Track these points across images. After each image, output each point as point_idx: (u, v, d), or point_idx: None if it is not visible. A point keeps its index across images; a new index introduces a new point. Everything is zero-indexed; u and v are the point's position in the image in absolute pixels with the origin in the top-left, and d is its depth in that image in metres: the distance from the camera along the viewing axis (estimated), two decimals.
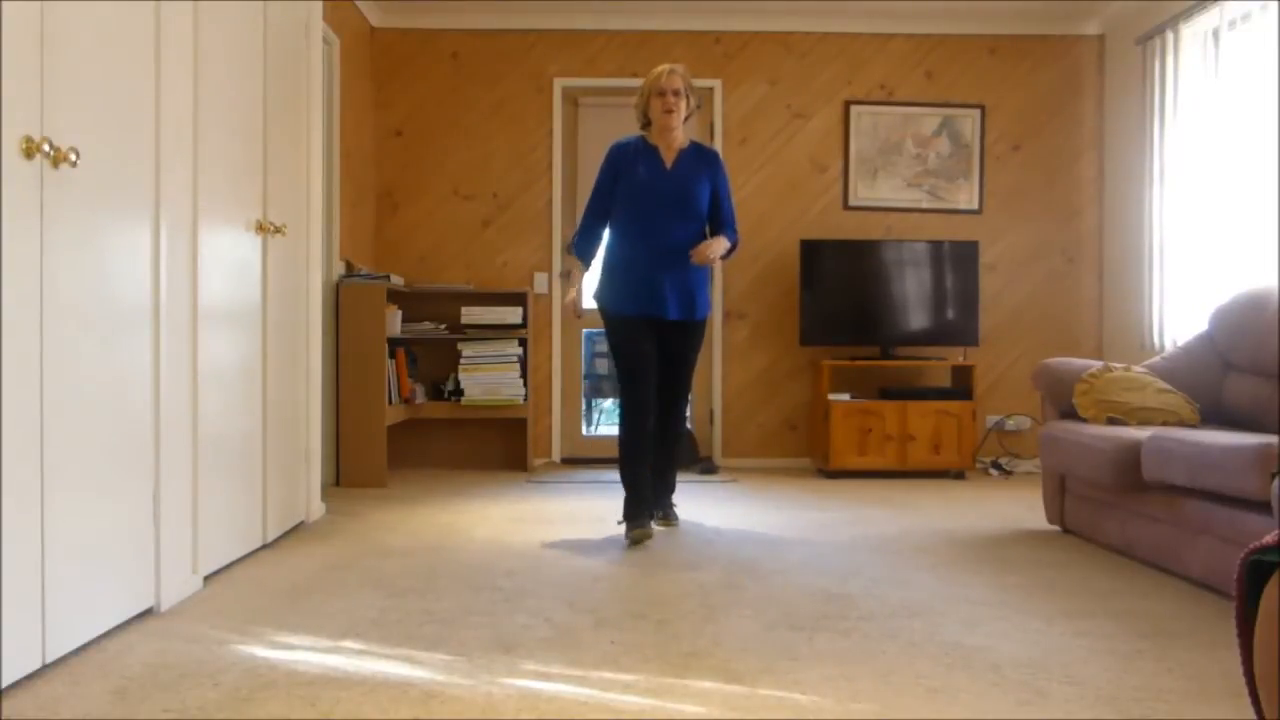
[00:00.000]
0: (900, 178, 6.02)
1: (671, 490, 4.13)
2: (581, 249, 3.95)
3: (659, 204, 3.81)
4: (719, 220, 3.92)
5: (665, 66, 3.85)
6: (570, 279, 3.93)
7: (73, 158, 2.18)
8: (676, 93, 3.80)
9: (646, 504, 3.80)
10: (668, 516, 4.05)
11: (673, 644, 2.44)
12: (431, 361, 5.88)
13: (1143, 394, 3.75)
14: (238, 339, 3.28)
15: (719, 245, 3.84)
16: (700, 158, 3.91)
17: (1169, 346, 5.08)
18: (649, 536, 3.66)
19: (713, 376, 5.99)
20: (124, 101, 2.49)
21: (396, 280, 5.45)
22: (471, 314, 5.62)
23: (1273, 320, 3.57)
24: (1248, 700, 1.38)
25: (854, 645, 2.44)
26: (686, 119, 3.88)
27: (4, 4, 1.98)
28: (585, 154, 6.01)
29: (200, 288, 2.94)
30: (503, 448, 5.88)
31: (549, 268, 5.98)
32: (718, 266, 5.90)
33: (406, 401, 5.47)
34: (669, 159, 3.87)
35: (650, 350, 3.81)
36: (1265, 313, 3.64)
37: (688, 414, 6.04)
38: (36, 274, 2.11)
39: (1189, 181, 5.02)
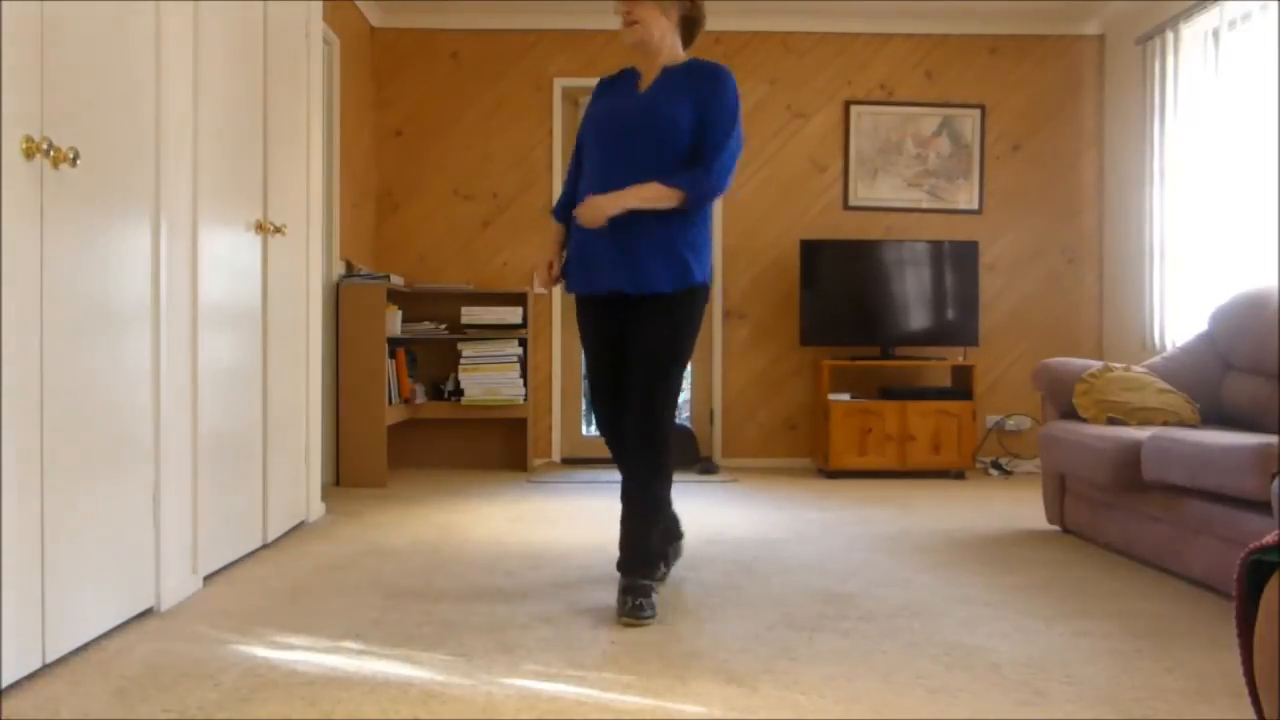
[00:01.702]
0: (900, 178, 6.02)
1: (643, 560, 2.77)
2: (559, 211, 3.05)
3: (614, 139, 2.82)
4: (696, 155, 2.78)
5: None
6: (551, 249, 3.05)
7: (72, 157, 2.18)
8: None
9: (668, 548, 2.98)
10: (636, 609, 2.63)
11: (673, 644, 2.44)
12: (431, 361, 5.88)
13: (1143, 394, 3.75)
14: (238, 339, 3.28)
15: (625, 196, 2.72)
16: (689, 74, 2.83)
17: (1169, 346, 5.08)
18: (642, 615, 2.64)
19: (713, 376, 5.99)
20: (124, 101, 2.49)
21: (396, 280, 5.45)
22: (471, 314, 5.62)
23: (1273, 320, 3.58)
24: (1248, 700, 1.38)
25: (854, 645, 2.44)
26: (692, 29, 2.93)
27: (4, 4, 1.98)
28: None
29: (200, 288, 2.94)
30: (503, 448, 5.88)
31: None
32: (718, 262, 5.91)
33: (406, 401, 5.47)
34: (646, 81, 2.89)
35: (609, 342, 2.91)
36: (1265, 313, 3.64)
37: (686, 415, 6.06)
38: (36, 274, 2.11)
39: (1189, 181, 5.01)
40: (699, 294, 2.84)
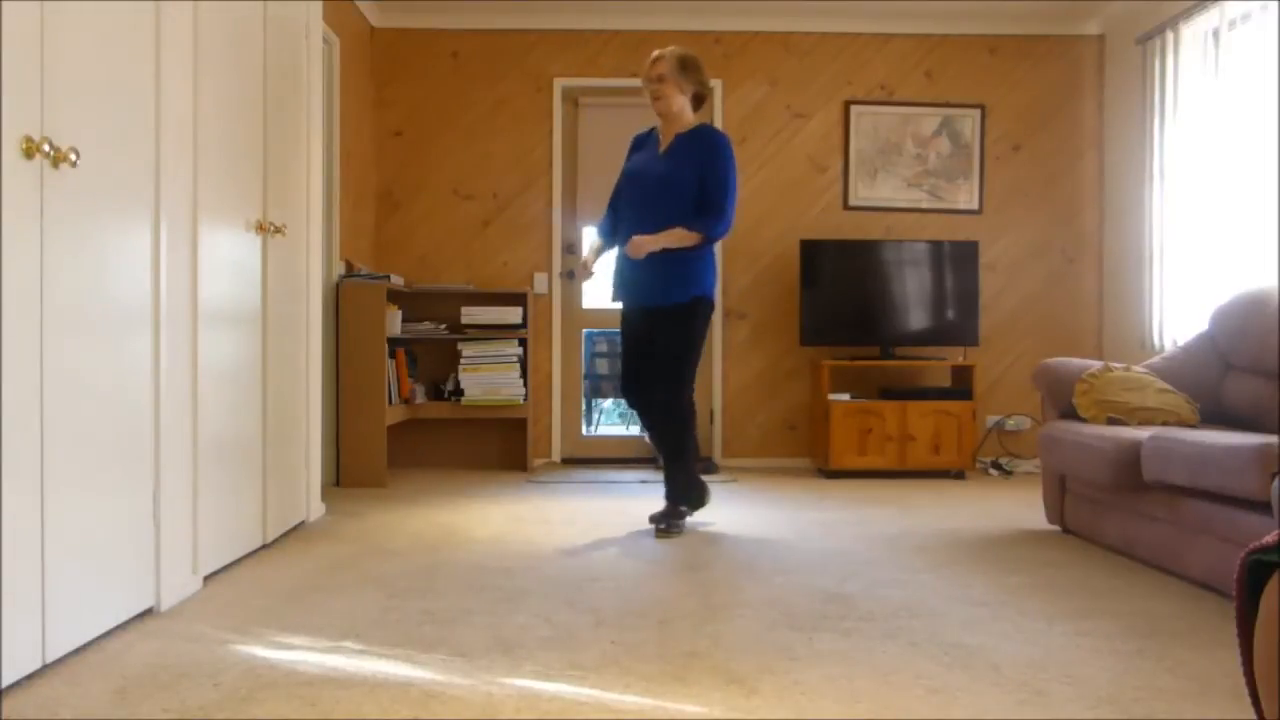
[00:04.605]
0: (900, 178, 6.02)
1: (672, 493, 3.92)
2: (601, 229, 4.06)
3: (640, 191, 3.85)
4: (698, 206, 3.79)
5: (654, 53, 3.89)
6: (590, 255, 4.05)
7: (73, 158, 2.18)
8: (660, 78, 3.82)
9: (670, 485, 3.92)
10: (664, 528, 3.83)
11: (673, 644, 2.44)
12: (431, 361, 5.88)
13: (1143, 394, 3.75)
14: (238, 339, 3.28)
15: (661, 238, 3.73)
16: (693, 140, 3.84)
17: (1169, 346, 5.08)
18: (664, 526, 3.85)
19: (713, 376, 5.99)
20: (124, 101, 2.49)
21: (396, 280, 5.45)
22: (471, 314, 5.62)
23: (1273, 320, 3.57)
24: (1248, 700, 1.38)
25: (854, 645, 2.44)
26: (700, 101, 3.92)
27: (4, 4, 1.98)
28: (585, 154, 6.01)
29: (200, 288, 2.94)
30: (503, 448, 5.88)
31: (549, 268, 5.98)
32: (719, 262, 5.90)
33: (406, 401, 5.47)
34: (665, 142, 3.89)
35: (640, 337, 3.89)
36: (1265, 313, 3.64)
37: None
38: (36, 274, 2.11)
39: (1189, 181, 5.01)
40: (700, 304, 3.83)
